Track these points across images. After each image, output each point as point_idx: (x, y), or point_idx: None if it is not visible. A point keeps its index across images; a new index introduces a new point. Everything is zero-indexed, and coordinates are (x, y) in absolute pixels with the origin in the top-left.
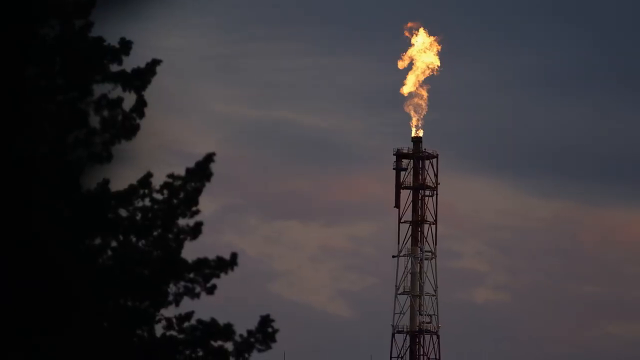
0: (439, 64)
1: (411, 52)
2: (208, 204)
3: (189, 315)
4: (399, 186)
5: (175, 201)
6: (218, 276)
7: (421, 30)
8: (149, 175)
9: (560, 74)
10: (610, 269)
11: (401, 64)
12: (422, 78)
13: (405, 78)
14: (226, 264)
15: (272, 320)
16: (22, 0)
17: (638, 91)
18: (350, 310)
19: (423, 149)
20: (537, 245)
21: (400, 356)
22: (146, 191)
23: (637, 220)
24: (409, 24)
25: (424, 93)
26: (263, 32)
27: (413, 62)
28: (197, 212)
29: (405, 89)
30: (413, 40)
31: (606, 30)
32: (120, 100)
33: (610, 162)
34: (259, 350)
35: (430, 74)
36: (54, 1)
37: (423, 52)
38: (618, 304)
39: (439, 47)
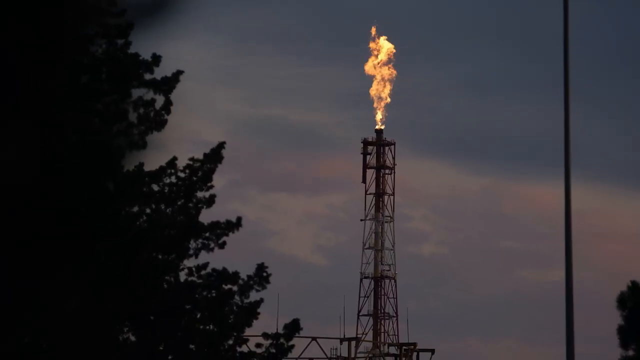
0: (395, 73)
1: (375, 62)
2: (219, 180)
3: (205, 265)
4: (365, 166)
5: (194, 178)
6: (227, 235)
7: (384, 44)
8: (174, 158)
9: (490, 80)
10: (525, 228)
11: (367, 68)
12: (384, 84)
13: (371, 83)
14: (233, 225)
15: (266, 267)
16: (77, 25)
17: (548, 95)
18: (327, 261)
19: (384, 138)
20: (469, 211)
21: (366, 295)
22: (172, 171)
23: (546, 191)
24: (371, 44)
25: (386, 94)
26: (260, 49)
27: (377, 70)
28: (211, 186)
29: (371, 92)
30: (376, 53)
31: (528, 45)
32: (152, 100)
33: (526, 148)
34: (257, 290)
35: (390, 81)
36: (101, 26)
37: (383, 65)
38: (531, 255)
39: (394, 59)
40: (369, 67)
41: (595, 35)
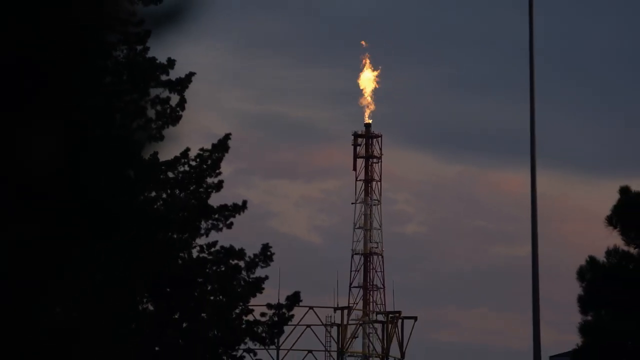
0: (377, 79)
1: (364, 73)
2: (226, 168)
3: (214, 243)
4: (355, 156)
5: (204, 166)
6: (234, 216)
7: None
8: (187, 149)
9: (465, 80)
10: (494, 209)
11: (360, 77)
12: (372, 84)
13: (362, 83)
14: (239, 208)
15: (270, 247)
16: (101, 32)
17: (516, 93)
18: (323, 240)
19: (372, 131)
20: (445, 195)
21: (357, 270)
22: (185, 160)
23: (514, 177)
24: (364, 59)
25: (372, 94)
26: (262, 52)
27: (366, 74)
28: (219, 173)
29: (361, 90)
30: (365, 63)
31: (499, 49)
32: (168, 99)
33: (497, 139)
34: (262, 267)
35: (376, 84)
36: (123, 34)
37: (371, 76)
38: (501, 233)
39: (378, 72)
40: (361, 81)
41: (559, 38)
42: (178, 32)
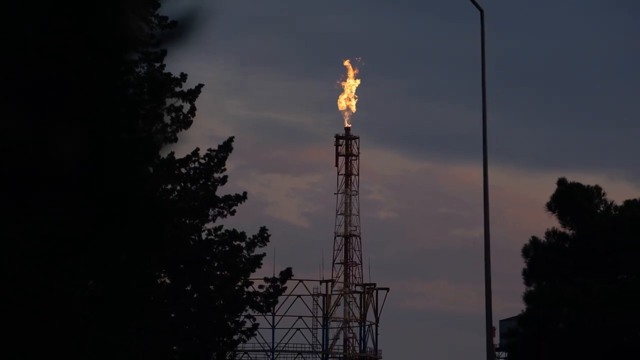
0: (357, 87)
1: (346, 83)
2: (230, 165)
3: (220, 227)
4: (337, 154)
5: (212, 164)
6: (236, 205)
7: (350, 72)
8: (197, 149)
9: (429, 90)
10: (455, 198)
11: (339, 88)
12: (351, 94)
13: (342, 94)
14: (240, 197)
15: (267, 230)
16: (124, 51)
17: (470, 100)
18: (310, 224)
19: (351, 133)
20: (413, 186)
21: (339, 249)
22: (195, 158)
23: (470, 171)
24: (346, 65)
25: (353, 102)
26: (259, 67)
27: (346, 86)
28: (224, 169)
29: (341, 100)
30: (348, 74)
31: (457, 64)
32: (181, 107)
33: (455, 139)
34: (260, 247)
35: (354, 94)
36: (143, 53)
37: (351, 81)
38: (458, 217)
39: (359, 81)
40: (340, 102)
41: (507, 52)
42: (183, 48)
